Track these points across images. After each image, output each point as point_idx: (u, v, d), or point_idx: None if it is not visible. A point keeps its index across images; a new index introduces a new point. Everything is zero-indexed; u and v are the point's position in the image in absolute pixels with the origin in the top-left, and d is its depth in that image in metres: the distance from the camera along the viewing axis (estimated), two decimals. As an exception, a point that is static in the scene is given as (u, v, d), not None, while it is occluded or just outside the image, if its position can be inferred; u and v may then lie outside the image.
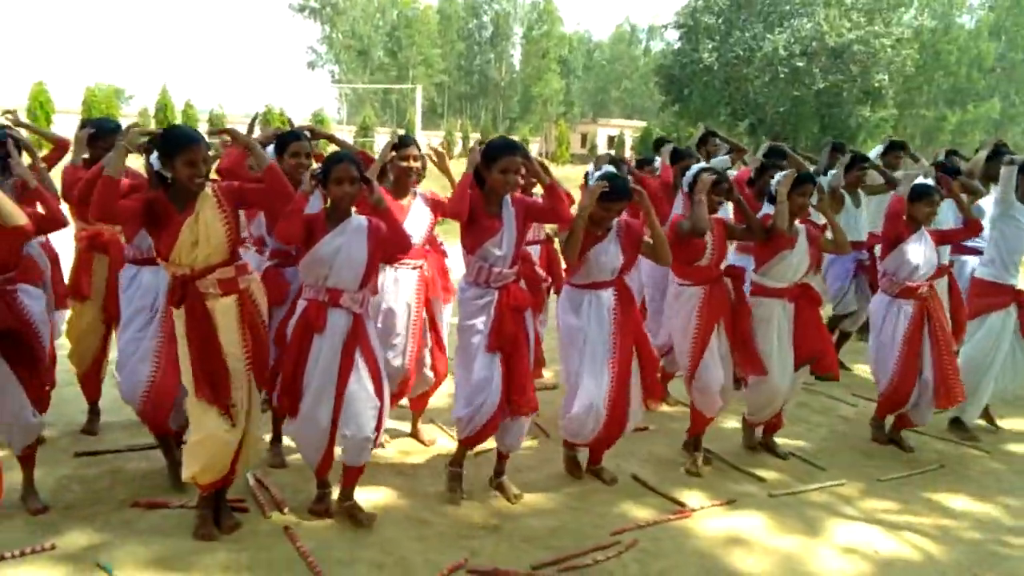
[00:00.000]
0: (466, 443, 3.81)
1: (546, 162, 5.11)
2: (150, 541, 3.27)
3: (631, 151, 42.79)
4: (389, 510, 3.68)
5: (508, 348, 3.66)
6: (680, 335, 4.22)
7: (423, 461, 4.33)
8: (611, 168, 4.42)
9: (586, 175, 4.28)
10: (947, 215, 5.36)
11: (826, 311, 5.88)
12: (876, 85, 42.19)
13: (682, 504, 3.89)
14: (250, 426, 3.34)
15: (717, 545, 3.54)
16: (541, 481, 4.10)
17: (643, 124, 49.36)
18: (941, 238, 4.73)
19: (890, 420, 4.89)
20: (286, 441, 4.21)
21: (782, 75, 41.98)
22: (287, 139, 4.04)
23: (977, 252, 5.46)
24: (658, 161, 5.77)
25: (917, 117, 55.25)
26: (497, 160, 3.55)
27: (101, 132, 4.05)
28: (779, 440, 4.67)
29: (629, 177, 4.30)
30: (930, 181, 4.73)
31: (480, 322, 3.64)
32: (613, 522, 3.67)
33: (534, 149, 48.27)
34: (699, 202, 3.99)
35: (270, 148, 4.18)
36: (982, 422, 5.26)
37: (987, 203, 5.52)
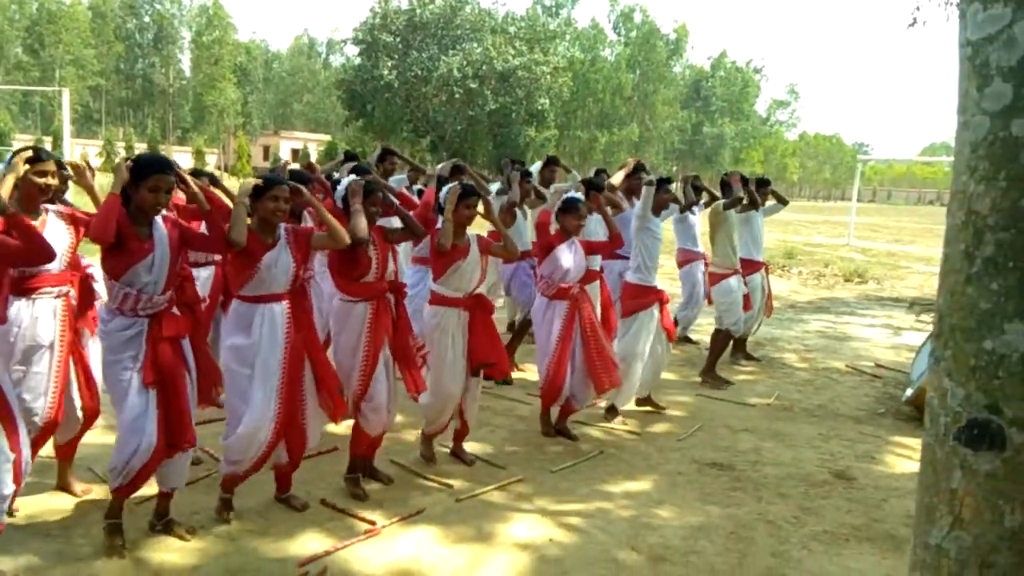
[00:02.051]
0: (120, 493, 3.42)
1: (224, 175, 4.80)
2: None
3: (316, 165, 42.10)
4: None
5: (167, 380, 3.36)
6: (349, 353, 4.14)
7: (75, 517, 3.78)
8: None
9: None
10: (597, 228, 6.05)
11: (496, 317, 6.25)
12: (539, 108, 46.51)
13: (372, 522, 3.86)
14: None
15: (406, 558, 3.57)
16: (214, 517, 3.81)
17: (327, 138, 48.90)
18: (589, 248, 5.32)
19: (556, 412, 5.36)
20: None
21: (457, 95, 44.43)
22: None
23: (624, 257, 6.24)
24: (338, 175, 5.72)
25: (574, 138, 62.10)
26: (147, 178, 3.25)
27: None
28: (464, 446, 4.87)
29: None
30: (579, 195, 5.31)
31: (129, 356, 3.29)
32: (299, 553, 3.53)
33: (212, 161, 45.36)
34: (355, 211, 3.98)
35: None
36: (648, 408, 6.03)
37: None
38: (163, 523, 3.60)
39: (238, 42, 63.63)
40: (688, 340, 8.38)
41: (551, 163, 7.38)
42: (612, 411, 5.77)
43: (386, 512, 4.00)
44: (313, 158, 42.84)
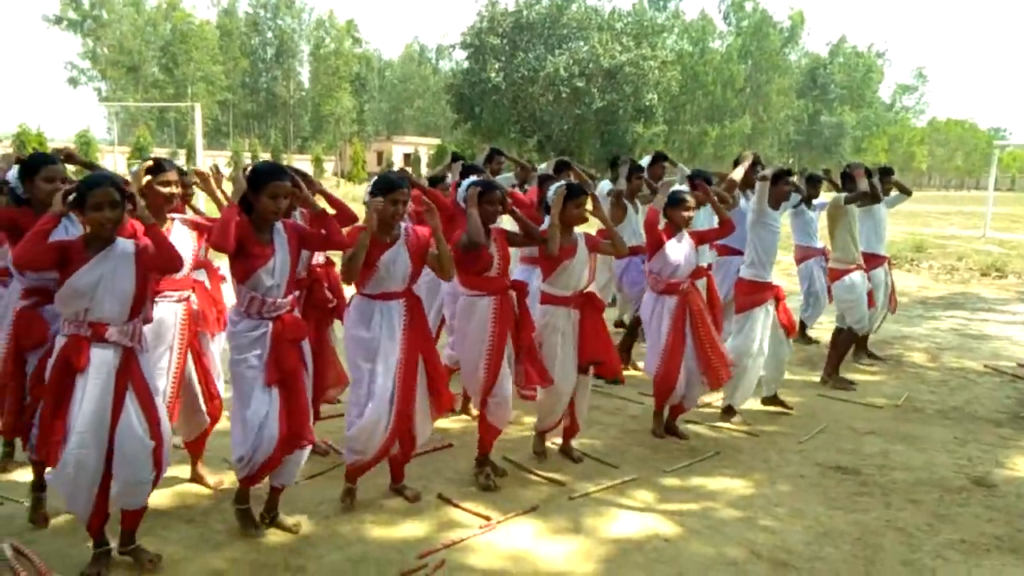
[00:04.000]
0: (246, 484, 3.63)
1: (341, 181, 5.02)
2: None
3: (427, 168, 43.18)
4: (180, 564, 3.39)
5: (287, 380, 3.52)
6: (475, 348, 4.23)
7: (211, 506, 4.04)
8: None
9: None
10: (705, 222, 5.94)
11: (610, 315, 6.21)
12: (647, 103, 45.87)
13: (487, 517, 3.93)
14: None
15: (521, 555, 3.61)
16: (345, 511, 3.97)
17: (437, 141, 50.00)
18: (701, 238, 5.20)
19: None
20: (50, 501, 3.79)
21: (564, 95, 44.44)
22: (39, 161, 3.63)
23: (739, 253, 6.07)
24: (449, 178, 5.86)
25: (683, 132, 60.84)
26: (265, 185, 3.41)
27: None
28: (574, 443, 4.87)
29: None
30: (684, 188, 5.20)
31: (254, 356, 3.47)
32: (418, 545, 3.63)
33: (329, 168, 47.21)
34: (470, 215, 4.08)
35: (12, 172, 3.76)
36: (774, 408, 5.85)
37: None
38: (271, 517, 3.77)
39: (353, 52, 65.97)
40: (807, 339, 8.05)
41: (659, 159, 7.32)
42: (729, 411, 5.63)
43: (500, 508, 4.06)
44: (423, 161, 44.05)
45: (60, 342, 3.13)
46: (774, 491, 4.41)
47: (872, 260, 6.87)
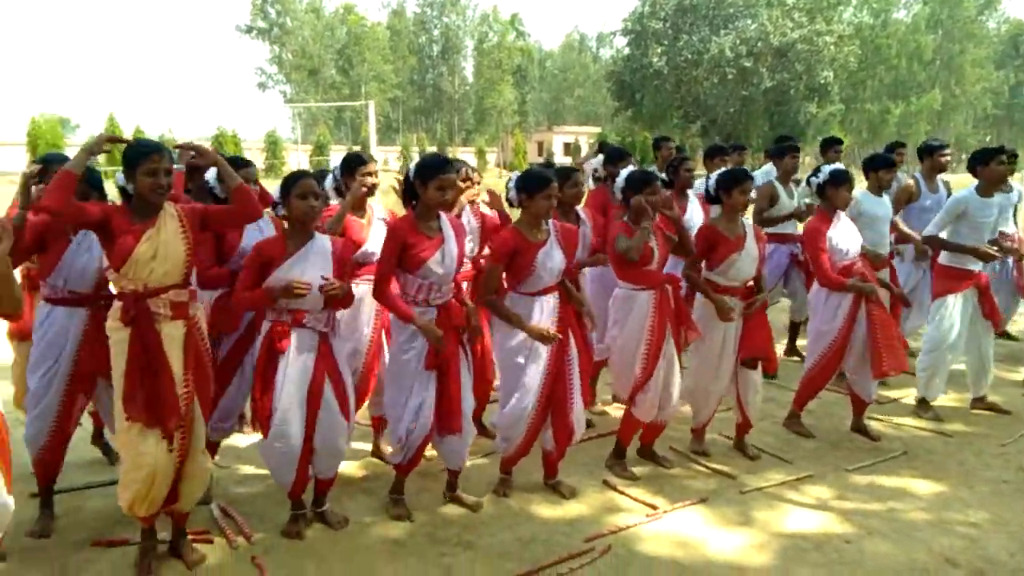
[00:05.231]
0: (401, 470, 3.78)
1: (504, 172, 5.13)
2: (112, 581, 3.17)
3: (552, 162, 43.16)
4: (360, 531, 3.62)
5: (443, 367, 3.63)
6: (632, 342, 4.13)
7: (390, 478, 4.25)
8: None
9: (507, 185, 4.24)
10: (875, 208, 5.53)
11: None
12: (821, 82, 43.22)
13: (653, 506, 3.89)
14: (193, 456, 3.22)
15: (691, 544, 3.54)
16: (513, 491, 4.06)
17: (598, 130, 49.81)
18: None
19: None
20: (252, 470, 4.15)
21: (730, 76, 42.82)
22: (237, 164, 4.00)
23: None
24: (594, 166, 5.80)
25: (862, 111, 56.70)
26: (433, 177, 3.51)
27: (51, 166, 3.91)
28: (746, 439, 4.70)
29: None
30: (844, 168, 4.85)
31: (419, 343, 3.59)
32: (585, 529, 3.66)
33: (491, 159, 48.40)
34: (643, 229, 3.95)
35: (211, 173, 4.16)
36: (984, 410, 5.35)
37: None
38: (452, 496, 3.93)
39: (514, 45, 67.05)
40: (1007, 335, 7.28)
41: (831, 144, 6.83)
42: (923, 405, 5.22)
43: (667, 497, 4.00)
44: (584, 151, 43.97)
45: (266, 327, 3.41)
46: (972, 495, 4.05)
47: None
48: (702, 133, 45.54)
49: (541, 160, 45.25)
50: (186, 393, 3.11)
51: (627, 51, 47.83)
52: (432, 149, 43.42)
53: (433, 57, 69.20)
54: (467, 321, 3.69)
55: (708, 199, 4.49)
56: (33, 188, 3.42)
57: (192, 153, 3.52)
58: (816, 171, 4.77)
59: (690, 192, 5.47)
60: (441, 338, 3.52)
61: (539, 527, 3.70)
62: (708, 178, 4.61)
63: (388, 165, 37.84)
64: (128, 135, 27.61)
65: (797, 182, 6.35)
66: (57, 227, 3.40)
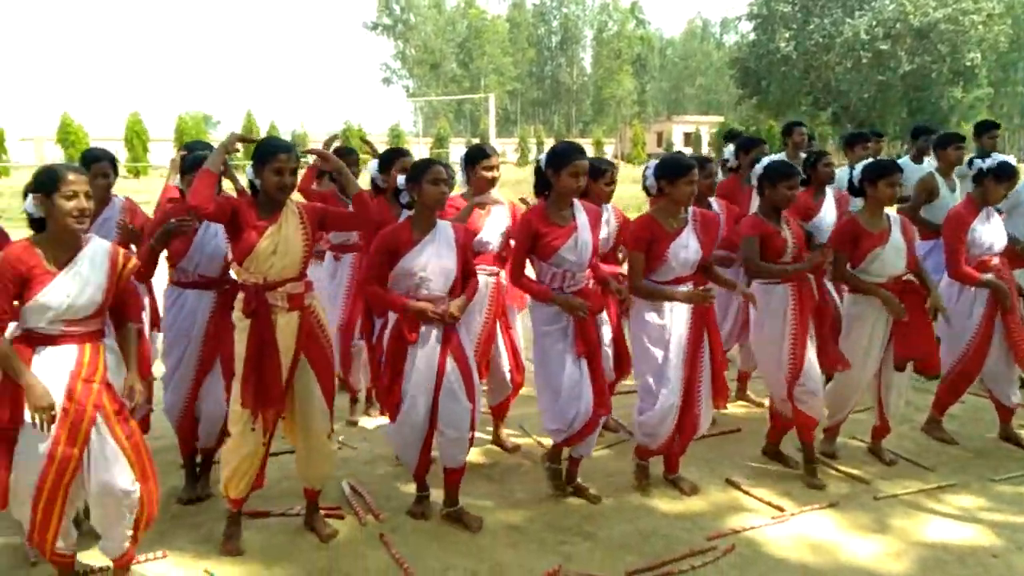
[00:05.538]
0: (560, 445, 3.81)
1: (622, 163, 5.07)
2: (252, 550, 3.38)
3: (708, 147, 42.03)
4: (481, 516, 3.69)
5: (589, 352, 3.64)
6: (775, 337, 3.99)
7: (510, 466, 4.33)
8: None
9: (644, 171, 4.15)
10: None
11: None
12: (967, 64, 40.19)
13: (780, 508, 3.76)
14: (318, 437, 3.38)
15: (821, 548, 3.41)
16: (628, 483, 4.03)
17: (720, 119, 48.32)
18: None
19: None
20: (379, 451, 4.32)
21: (865, 60, 40.49)
22: (392, 155, 4.51)
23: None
24: (727, 152, 5.63)
25: (1013, 95, 52.23)
26: (566, 164, 3.51)
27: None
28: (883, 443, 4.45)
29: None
30: (1004, 158, 4.49)
31: (559, 329, 3.62)
32: (707, 527, 3.59)
33: (609, 151, 48.04)
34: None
35: (372, 165, 4.55)
36: None
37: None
38: (573, 486, 3.92)
39: (634, 33, 66.02)
40: None
41: (987, 129, 6.26)
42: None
43: (794, 499, 3.86)
44: (704, 141, 42.82)
45: (394, 316, 3.52)
46: None
47: None
48: (833, 121, 43.36)
49: (660, 151, 44.45)
50: (288, 380, 3.26)
51: (753, 36, 46.09)
52: (550, 141, 43.37)
53: (552, 48, 69.12)
54: (603, 305, 3.70)
55: (851, 191, 4.28)
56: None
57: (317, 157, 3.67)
58: (982, 155, 4.44)
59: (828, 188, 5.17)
60: (583, 305, 3.54)
61: (659, 521, 3.65)
62: (851, 168, 4.39)
63: (506, 157, 38.18)
64: (264, 131, 29.30)
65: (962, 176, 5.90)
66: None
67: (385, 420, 3.74)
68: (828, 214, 4.89)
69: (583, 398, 3.60)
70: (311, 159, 4.51)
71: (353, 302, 4.88)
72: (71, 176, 2.74)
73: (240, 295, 3.26)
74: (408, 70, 65.42)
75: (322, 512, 3.59)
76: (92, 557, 3.16)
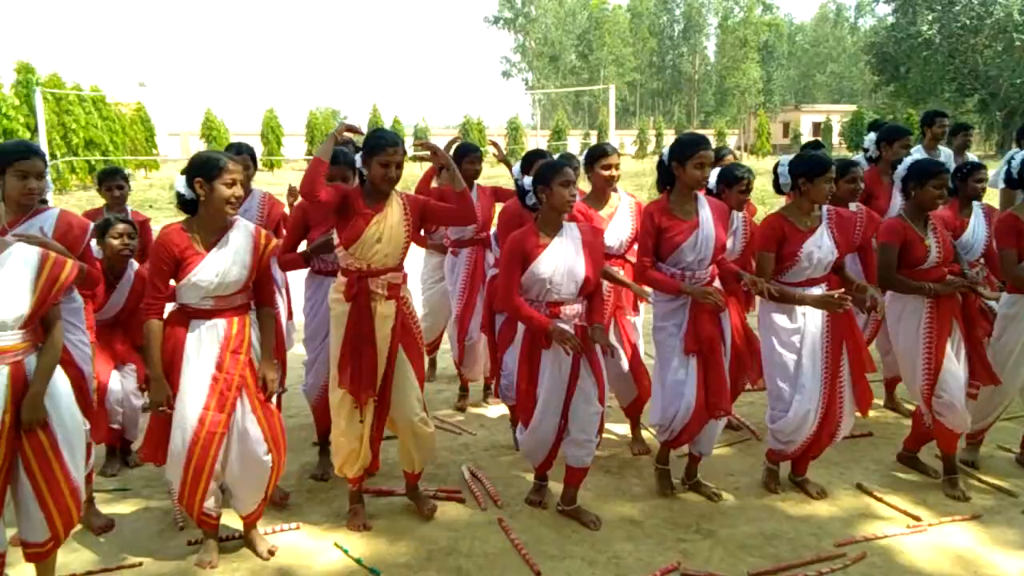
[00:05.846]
0: (667, 446, 3.77)
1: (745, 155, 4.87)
2: (378, 527, 3.52)
3: (839, 138, 40.01)
4: (599, 509, 3.69)
5: (705, 350, 3.55)
6: (910, 344, 3.78)
7: (628, 459, 4.31)
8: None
9: (776, 168, 3.92)
10: None
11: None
12: None
13: (917, 517, 3.56)
14: (414, 424, 3.42)
15: (964, 561, 3.20)
16: (755, 485, 3.93)
17: (852, 108, 45.86)
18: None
19: None
20: (496, 438, 4.39)
21: (1018, 43, 37.32)
22: (466, 150, 4.73)
23: None
24: (867, 140, 5.31)
25: None
26: (692, 155, 3.44)
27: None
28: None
29: None
30: None
31: (672, 324, 3.56)
32: (835, 532, 3.44)
33: (732, 142, 46.63)
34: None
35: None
36: None
37: None
38: (692, 483, 3.85)
39: (762, 20, 63.63)
40: None
41: None
42: None
43: (932, 510, 3.64)
44: (835, 131, 40.78)
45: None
46: None
47: None
48: (980, 108, 40.33)
49: (786, 142, 42.63)
50: (386, 369, 3.35)
51: (891, 20, 43.47)
52: (669, 132, 42.44)
53: (674, 37, 67.74)
54: (724, 305, 3.56)
55: (1010, 183, 3.98)
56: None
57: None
58: None
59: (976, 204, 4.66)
60: (713, 293, 3.46)
61: (784, 524, 3.54)
62: (1008, 163, 4.06)
63: (624, 149, 37.73)
64: (388, 124, 30.25)
65: None
66: (317, 212, 3.73)
67: (502, 409, 3.79)
68: (978, 230, 4.28)
69: (684, 396, 3.52)
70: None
71: (469, 295, 4.99)
72: (231, 165, 2.98)
73: (340, 279, 3.38)
74: (527, 63, 65.83)
75: (442, 494, 3.69)
76: (231, 519, 3.39)
